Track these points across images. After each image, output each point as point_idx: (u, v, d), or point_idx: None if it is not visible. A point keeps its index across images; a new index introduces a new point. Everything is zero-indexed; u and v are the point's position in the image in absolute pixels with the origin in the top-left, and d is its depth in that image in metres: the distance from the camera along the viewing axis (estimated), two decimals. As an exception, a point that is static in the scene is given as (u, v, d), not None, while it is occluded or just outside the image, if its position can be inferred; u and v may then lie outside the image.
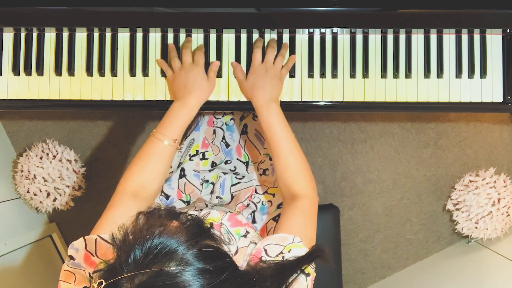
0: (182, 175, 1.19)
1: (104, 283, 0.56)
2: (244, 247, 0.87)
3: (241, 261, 0.83)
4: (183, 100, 0.99)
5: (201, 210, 1.02)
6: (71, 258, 0.76)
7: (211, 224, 0.66)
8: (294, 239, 0.80)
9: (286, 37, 1.11)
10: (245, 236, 0.91)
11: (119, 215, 0.84)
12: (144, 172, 0.93)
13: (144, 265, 0.56)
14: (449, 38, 1.11)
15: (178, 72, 1.04)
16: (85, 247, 0.77)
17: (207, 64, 1.09)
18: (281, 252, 0.78)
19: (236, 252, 0.88)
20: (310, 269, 0.77)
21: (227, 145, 1.25)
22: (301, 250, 0.79)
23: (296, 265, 0.74)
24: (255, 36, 1.11)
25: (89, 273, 0.74)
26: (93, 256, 0.76)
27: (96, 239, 0.77)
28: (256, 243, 0.89)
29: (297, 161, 0.97)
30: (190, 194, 1.18)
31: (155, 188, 0.95)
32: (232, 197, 1.17)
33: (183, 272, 0.56)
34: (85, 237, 0.78)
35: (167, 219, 0.62)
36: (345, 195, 1.89)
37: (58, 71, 1.11)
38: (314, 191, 0.97)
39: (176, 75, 1.04)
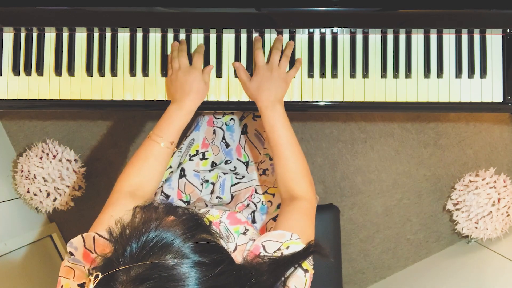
0: (182, 175, 1.19)
1: (100, 276, 0.57)
2: (243, 244, 0.87)
3: (239, 258, 0.83)
4: (180, 103, 1.00)
5: (200, 209, 1.02)
6: (71, 254, 0.77)
7: (208, 220, 0.67)
8: (292, 236, 0.80)
9: (286, 37, 1.11)
10: (244, 233, 0.91)
11: (117, 213, 0.84)
12: (142, 174, 0.94)
13: (140, 257, 0.57)
14: (449, 38, 1.11)
15: (176, 73, 1.04)
16: (84, 245, 0.77)
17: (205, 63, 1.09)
18: (279, 249, 0.78)
19: (235, 249, 0.88)
20: (308, 265, 0.77)
21: (227, 145, 1.25)
22: (299, 246, 0.79)
23: (291, 260, 0.74)
24: (255, 36, 1.11)
25: (88, 269, 0.74)
26: (92, 253, 0.77)
27: (94, 236, 0.78)
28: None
29: (298, 164, 0.97)
30: (190, 194, 1.18)
31: (152, 188, 0.96)
32: (232, 197, 1.17)
33: (179, 265, 0.56)
34: (83, 234, 0.78)
35: (164, 213, 0.62)
36: (345, 195, 1.89)
37: (58, 71, 1.11)
38: (313, 193, 0.97)
39: (175, 77, 1.04)
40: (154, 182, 0.96)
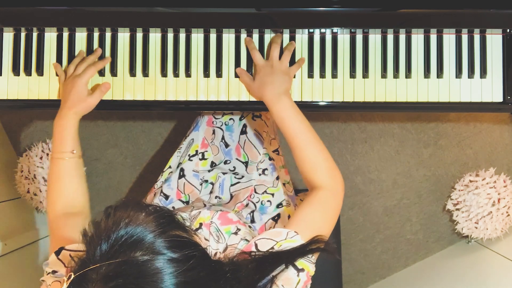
0: (182, 175, 1.19)
1: (73, 276, 0.57)
2: (234, 244, 0.87)
3: None
4: (61, 113, 1.01)
5: (192, 211, 1.02)
6: (54, 271, 0.77)
7: (179, 214, 0.67)
8: (288, 234, 0.79)
9: (286, 37, 1.11)
10: (235, 233, 0.91)
11: (66, 235, 0.87)
12: (64, 194, 0.97)
13: (110, 255, 0.57)
14: (449, 38, 1.11)
15: (65, 80, 1.07)
16: (64, 265, 0.77)
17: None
18: (272, 248, 0.76)
19: (225, 249, 0.88)
20: (307, 264, 0.75)
21: (227, 145, 1.25)
22: (294, 244, 0.77)
23: (281, 257, 0.73)
24: (255, 36, 1.11)
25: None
26: None
27: (70, 254, 0.78)
28: (247, 240, 0.88)
29: (315, 153, 0.95)
30: (190, 194, 1.18)
31: (81, 199, 0.99)
32: (232, 197, 1.17)
33: (150, 261, 0.57)
34: (59, 257, 0.79)
35: (135, 211, 0.62)
36: (345, 195, 1.87)
37: (58, 71, 1.11)
38: (336, 181, 0.94)
39: (63, 83, 1.07)
40: (80, 194, 0.99)
